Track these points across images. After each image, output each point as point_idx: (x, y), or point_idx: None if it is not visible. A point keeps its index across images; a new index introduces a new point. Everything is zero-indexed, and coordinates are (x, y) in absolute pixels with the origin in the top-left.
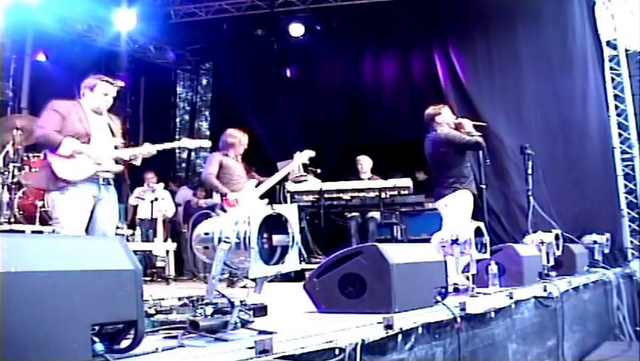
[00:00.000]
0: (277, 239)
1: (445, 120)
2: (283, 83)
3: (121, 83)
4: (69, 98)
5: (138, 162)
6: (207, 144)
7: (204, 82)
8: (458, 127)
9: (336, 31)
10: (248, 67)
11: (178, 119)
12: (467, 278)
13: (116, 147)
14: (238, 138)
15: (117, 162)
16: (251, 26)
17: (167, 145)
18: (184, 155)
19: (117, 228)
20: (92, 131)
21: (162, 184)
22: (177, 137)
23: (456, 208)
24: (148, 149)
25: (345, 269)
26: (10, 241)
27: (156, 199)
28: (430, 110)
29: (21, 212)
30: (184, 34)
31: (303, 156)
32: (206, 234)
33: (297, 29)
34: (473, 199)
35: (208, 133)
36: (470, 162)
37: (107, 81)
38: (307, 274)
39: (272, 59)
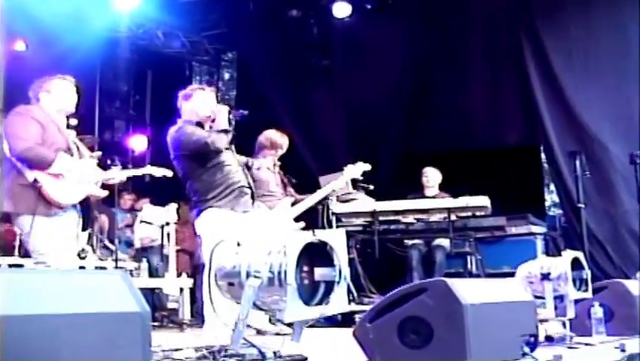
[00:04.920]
0: (320, 273)
1: (192, 108)
2: (325, 76)
3: (73, 79)
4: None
5: (100, 193)
6: (169, 173)
7: (226, 76)
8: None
9: (392, 11)
10: (281, 57)
11: None
12: (563, 324)
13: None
14: (276, 142)
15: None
16: (285, 5)
17: (136, 172)
18: None
19: (119, 260)
20: (72, 145)
21: (174, 205)
22: None
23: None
24: (120, 176)
25: (405, 311)
26: None
27: (167, 223)
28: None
29: None
30: (199, 16)
31: (356, 170)
32: (232, 267)
33: (342, 9)
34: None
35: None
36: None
37: (62, 78)
38: (358, 318)
39: (310, 46)
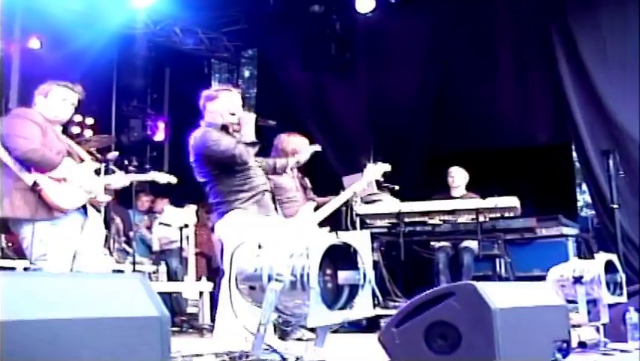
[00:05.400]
0: (344, 276)
1: (217, 110)
2: (347, 73)
3: (80, 89)
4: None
5: (103, 198)
6: (173, 180)
7: (246, 74)
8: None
9: (417, 5)
10: (303, 53)
11: None
12: (597, 329)
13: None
14: (296, 146)
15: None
16: (306, 0)
17: (139, 177)
18: None
19: (137, 263)
20: (71, 150)
21: (194, 206)
22: None
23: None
24: (122, 181)
25: (433, 316)
26: (3, 282)
27: (186, 226)
28: (205, 91)
29: (10, 244)
30: (218, 11)
31: (376, 171)
32: (253, 270)
33: (365, 3)
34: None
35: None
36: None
37: (65, 86)
38: (383, 323)
39: (333, 42)
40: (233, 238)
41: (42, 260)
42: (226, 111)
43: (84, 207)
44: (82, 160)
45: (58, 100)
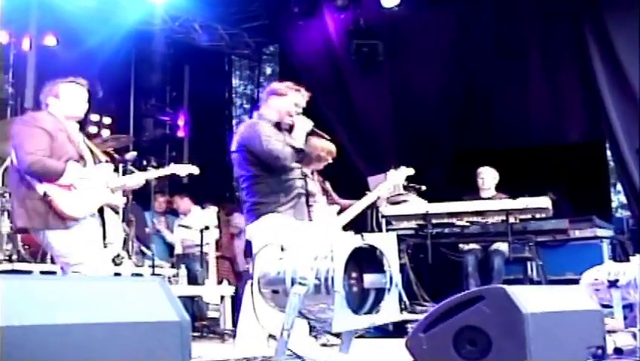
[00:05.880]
0: (369, 280)
1: (280, 107)
2: (372, 69)
3: (85, 82)
4: (36, 108)
5: (118, 200)
6: (196, 170)
7: (268, 71)
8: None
9: (445, 1)
10: (326, 50)
11: (234, 121)
12: (634, 335)
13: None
14: (318, 148)
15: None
16: None
17: (159, 172)
18: None
19: (156, 266)
20: (84, 153)
21: (215, 208)
22: None
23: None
24: (138, 180)
25: (461, 321)
26: (21, 286)
27: (206, 228)
28: (275, 84)
29: (26, 247)
30: (239, 7)
31: (399, 175)
32: (276, 273)
33: None
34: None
35: None
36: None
37: (71, 82)
38: (410, 328)
39: (357, 38)
40: (267, 242)
41: (75, 267)
42: (286, 111)
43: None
44: (99, 161)
45: (69, 97)
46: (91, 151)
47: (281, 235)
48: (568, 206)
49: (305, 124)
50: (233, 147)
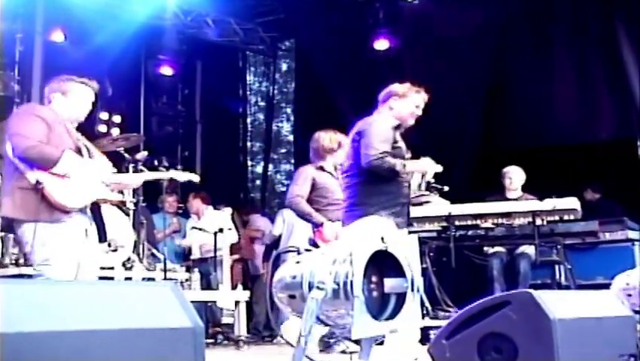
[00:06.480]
0: (390, 284)
1: (401, 109)
2: (391, 65)
3: (96, 85)
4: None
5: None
6: (196, 178)
7: (284, 67)
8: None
9: None
10: (344, 44)
11: (249, 120)
12: None
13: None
14: (336, 143)
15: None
16: None
17: (155, 175)
18: (259, 168)
19: (168, 270)
20: (82, 147)
21: (229, 209)
22: (248, 143)
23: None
24: (135, 180)
25: (486, 327)
26: (26, 291)
27: (221, 230)
28: (394, 86)
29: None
30: (253, 1)
31: (431, 167)
32: (293, 278)
33: None
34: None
35: (290, 138)
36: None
37: (82, 83)
38: (433, 334)
39: (376, 32)
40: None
41: (45, 265)
42: (409, 114)
43: (92, 209)
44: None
45: (77, 99)
46: (88, 150)
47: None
48: (599, 207)
49: (429, 168)
50: (351, 134)
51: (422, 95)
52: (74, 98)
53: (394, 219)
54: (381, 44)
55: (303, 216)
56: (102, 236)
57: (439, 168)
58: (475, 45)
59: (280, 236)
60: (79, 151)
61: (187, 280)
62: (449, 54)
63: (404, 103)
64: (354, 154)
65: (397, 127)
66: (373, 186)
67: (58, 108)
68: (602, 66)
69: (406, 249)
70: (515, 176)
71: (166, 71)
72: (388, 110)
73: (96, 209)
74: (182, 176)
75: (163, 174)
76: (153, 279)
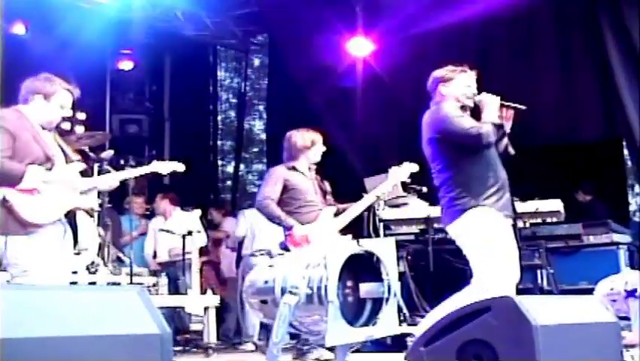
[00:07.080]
0: (366, 289)
1: (453, 93)
2: (370, 63)
3: (78, 91)
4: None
5: (91, 203)
6: (181, 167)
7: (256, 63)
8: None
9: None
10: (319, 40)
11: (220, 117)
12: None
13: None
14: (310, 141)
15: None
16: None
17: (138, 171)
18: (230, 168)
19: (135, 275)
20: (53, 154)
21: (198, 211)
22: (219, 142)
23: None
24: (109, 181)
25: (466, 334)
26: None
27: (189, 233)
28: (437, 72)
29: None
30: None
31: (402, 171)
32: (265, 282)
33: None
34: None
35: (263, 136)
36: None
37: (68, 90)
38: (410, 341)
39: (354, 25)
40: (478, 240)
41: (23, 276)
42: (462, 94)
43: (66, 214)
44: (71, 161)
45: (58, 106)
46: (62, 150)
47: (491, 231)
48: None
49: (490, 99)
50: (426, 134)
51: (468, 74)
52: (56, 103)
53: (500, 208)
54: (357, 41)
55: (272, 219)
56: (75, 240)
57: (414, 168)
58: (457, 39)
59: (244, 238)
60: (48, 159)
61: (154, 284)
62: (428, 53)
63: (452, 86)
64: (435, 152)
65: (461, 108)
66: (467, 176)
67: (35, 111)
68: (587, 67)
69: (383, 253)
70: None
71: (133, 66)
72: (440, 97)
73: (71, 214)
74: (165, 167)
75: (144, 169)
76: (118, 284)
